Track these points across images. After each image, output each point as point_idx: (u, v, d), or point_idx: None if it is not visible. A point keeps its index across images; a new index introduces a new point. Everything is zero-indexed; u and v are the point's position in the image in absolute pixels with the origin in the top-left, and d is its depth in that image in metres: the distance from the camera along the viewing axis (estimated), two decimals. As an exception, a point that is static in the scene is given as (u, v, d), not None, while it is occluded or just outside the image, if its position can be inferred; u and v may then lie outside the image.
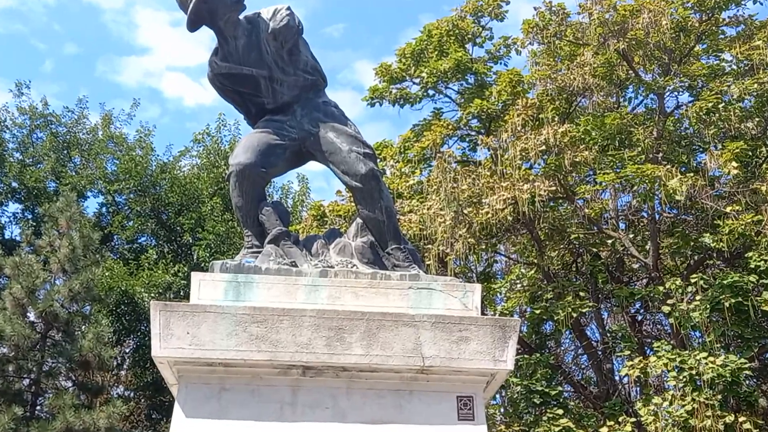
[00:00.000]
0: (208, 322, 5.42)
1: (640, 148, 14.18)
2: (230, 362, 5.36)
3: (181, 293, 22.53)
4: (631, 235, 15.63)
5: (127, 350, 24.03)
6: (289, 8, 6.27)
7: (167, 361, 5.42)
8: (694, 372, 12.43)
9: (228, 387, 5.42)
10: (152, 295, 21.95)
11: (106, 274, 21.13)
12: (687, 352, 12.88)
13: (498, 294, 19.51)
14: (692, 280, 13.38)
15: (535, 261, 16.00)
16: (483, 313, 6.30)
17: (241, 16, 6.30)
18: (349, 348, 5.46)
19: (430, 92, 17.83)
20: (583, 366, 17.96)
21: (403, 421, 5.44)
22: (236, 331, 5.43)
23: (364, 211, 6.32)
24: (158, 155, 26.28)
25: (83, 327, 17.75)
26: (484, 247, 15.34)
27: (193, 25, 6.25)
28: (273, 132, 6.39)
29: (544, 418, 13.74)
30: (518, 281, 18.06)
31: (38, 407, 18.02)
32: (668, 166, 13.44)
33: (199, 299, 5.66)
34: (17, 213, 26.42)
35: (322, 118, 6.44)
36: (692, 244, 14.27)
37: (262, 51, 6.30)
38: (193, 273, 5.83)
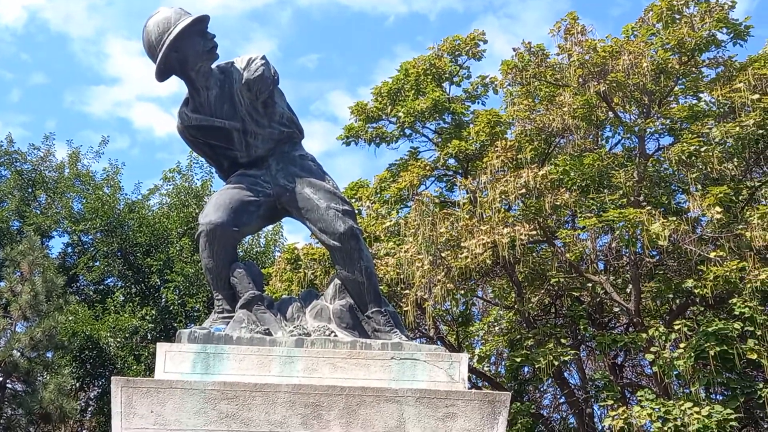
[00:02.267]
0: (174, 400, 5.07)
1: (621, 191, 13.96)
2: (197, 443, 4.97)
3: (149, 337, 21.91)
4: (612, 278, 15.37)
5: (92, 395, 23.28)
6: (264, 57, 5.92)
7: (128, 443, 4.99)
8: (679, 423, 12.11)
9: (196, 470, 5.01)
10: (119, 339, 21.31)
11: (70, 318, 20.46)
12: (671, 402, 12.56)
13: (475, 337, 19.18)
14: (675, 327, 13.09)
15: (514, 305, 15.67)
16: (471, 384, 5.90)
17: (213, 66, 5.94)
18: (327, 426, 5.14)
19: (407, 131, 17.56)
20: (563, 412, 17.59)
21: (386, 505, 5.06)
22: (205, 408, 5.09)
23: (342, 271, 6.00)
24: (126, 194, 25.77)
25: (44, 376, 17.11)
26: (462, 291, 14.97)
27: (162, 75, 5.89)
28: (246, 188, 6.04)
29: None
30: (496, 323, 17.75)
31: (-4, 463, 17.28)
32: (649, 209, 13.21)
33: (165, 372, 5.32)
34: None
35: (299, 172, 6.11)
36: (674, 288, 14.02)
37: (235, 102, 5.95)
38: (158, 344, 5.45)
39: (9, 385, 17.19)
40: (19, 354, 16.57)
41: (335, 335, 5.70)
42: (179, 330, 5.64)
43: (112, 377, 5.16)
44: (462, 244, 13.80)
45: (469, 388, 5.58)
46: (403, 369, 5.48)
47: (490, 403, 5.27)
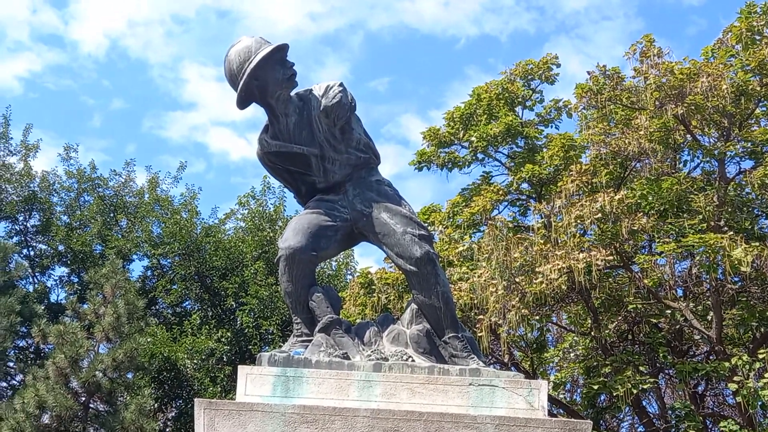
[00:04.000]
0: (255, 422, 5.14)
1: (701, 216, 13.64)
2: (279, 466, 5.02)
3: (224, 359, 22.24)
4: (691, 305, 14.98)
5: (170, 416, 23.70)
6: (341, 84, 6.02)
7: (210, 464, 5.08)
8: (765, 454, 11.72)
9: (276, 492, 5.07)
10: (195, 361, 21.68)
11: (149, 340, 20.93)
12: (757, 433, 12.16)
13: (550, 363, 18.91)
14: (760, 356, 12.69)
15: (590, 331, 15.40)
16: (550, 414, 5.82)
17: (292, 93, 6.07)
18: (406, 451, 5.08)
19: (480, 156, 17.53)
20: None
21: None
22: (285, 431, 5.09)
23: (419, 296, 6.00)
24: (203, 218, 26.32)
25: (125, 397, 17.51)
26: (537, 317, 14.80)
27: (243, 103, 6.04)
28: (324, 213, 6.12)
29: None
30: (571, 350, 17.48)
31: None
32: (731, 234, 12.87)
33: (246, 395, 5.39)
34: (63, 276, 26.54)
35: (376, 197, 6.16)
36: (758, 316, 13.59)
37: (313, 129, 6.05)
38: (239, 367, 5.54)
39: (92, 406, 17.63)
40: (101, 375, 16.99)
41: (413, 360, 5.71)
42: (259, 353, 5.72)
43: (195, 399, 5.25)
44: (536, 270, 13.65)
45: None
46: (482, 395, 5.45)
47: None
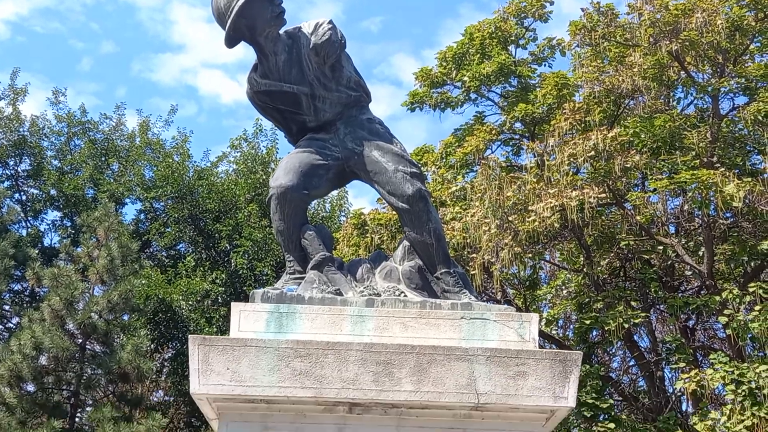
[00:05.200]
0: (249, 357, 5.17)
1: (693, 152, 13.65)
2: (273, 399, 5.10)
3: (219, 300, 22.41)
4: (683, 241, 15.09)
5: (167, 356, 23.98)
6: (331, 22, 5.95)
7: (206, 398, 5.18)
8: (753, 386, 11.92)
9: (271, 425, 5.16)
10: (190, 302, 21.85)
11: (144, 282, 21.05)
12: (746, 364, 12.37)
13: (543, 301, 19.10)
14: (750, 289, 12.84)
15: (583, 268, 15.53)
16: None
17: (281, 31, 5.99)
18: (399, 384, 5.16)
19: (472, 96, 17.42)
20: (633, 376, 17.44)
21: (458, 461, 5.12)
22: (279, 366, 5.16)
23: (411, 233, 6.02)
24: (195, 161, 26.24)
25: (121, 338, 17.68)
26: (530, 254, 14.90)
27: (231, 42, 5.97)
28: (315, 152, 6.09)
29: (595, 431, 13.33)
30: (564, 287, 17.64)
31: (77, 419, 17.97)
32: (723, 170, 12.91)
33: (240, 331, 5.42)
34: (56, 221, 26.54)
35: (367, 136, 6.14)
36: (749, 251, 13.71)
37: (303, 67, 5.99)
38: (233, 304, 5.57)
39: (88, 347, 17.81)
40: (97, 316, 17.12)
41: (405, 295, 5.75)
42: (252, 290, 5.75)
43: (189, 335, 5.28)
44: (529, 208, 13.71)
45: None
46: (474, 329, 5.50)
47: (562, 362, 5.25)
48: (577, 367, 5.28)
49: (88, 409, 17.69)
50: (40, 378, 16.84)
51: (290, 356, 5.16)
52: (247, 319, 5.45)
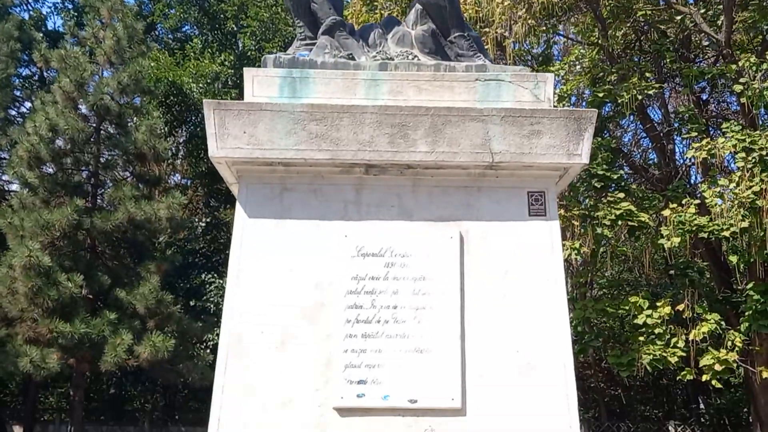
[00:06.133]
0: (264, 121, 5.18)
1: None
2: (290, 161, 5.16)
3: (229, 82, 22.25)
4: (702, 10, 14.60)
5: (181, 140, 24.20)
6: None
7: (225, 161, 5.24)
8: (764, 152, 11.95)
9: (289, 187, 5.26)
10: (200, 85, 21.70)
11: (153, 65, 20.80)
12: (758, 132, 12.34)
13: (557, 77, 18.83)
14: (768, 57, 12.58)
15: (598, 41, 15.17)
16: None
17: None
18: (414, 145, 5.20)
19: None
20: (644, 148, 17.54)
21: (471, 218, 5.26)
22: (295, 129, 5.19)
23: (423, -5, 5.80)
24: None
25: (135, 119, 17.72)
26: (543, 28, 14.50)
27: None
28: None
29: (604, 201, 13.56)
30: (578, 62, 17.32)
31: (99, 198, 18.42)
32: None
33: (254, 96, 5.39)
34: (58, 3, 25.91)
35: None
36: (770, 18, 13.29)
37: None
38: (245, 69, 5.50)
39: (103, 129, 17.91)
40: (109, 98, 17.07)
41: (418, 59, 5.67)
42: (264, 56, 5.66)
43: (204, 100, 5.25)
44: (544, -23, 13.19)
45: (553, 108, 5.55)
46: (488, 90, 5.45)
47: (576, 120, 5.25)
48: (591, 124, 5.30)
49: (108, 189, 18.05)
50: (58, 159, 17.08)
51: (305, 120, 5.16)
52: (261, 84, 5.41)
